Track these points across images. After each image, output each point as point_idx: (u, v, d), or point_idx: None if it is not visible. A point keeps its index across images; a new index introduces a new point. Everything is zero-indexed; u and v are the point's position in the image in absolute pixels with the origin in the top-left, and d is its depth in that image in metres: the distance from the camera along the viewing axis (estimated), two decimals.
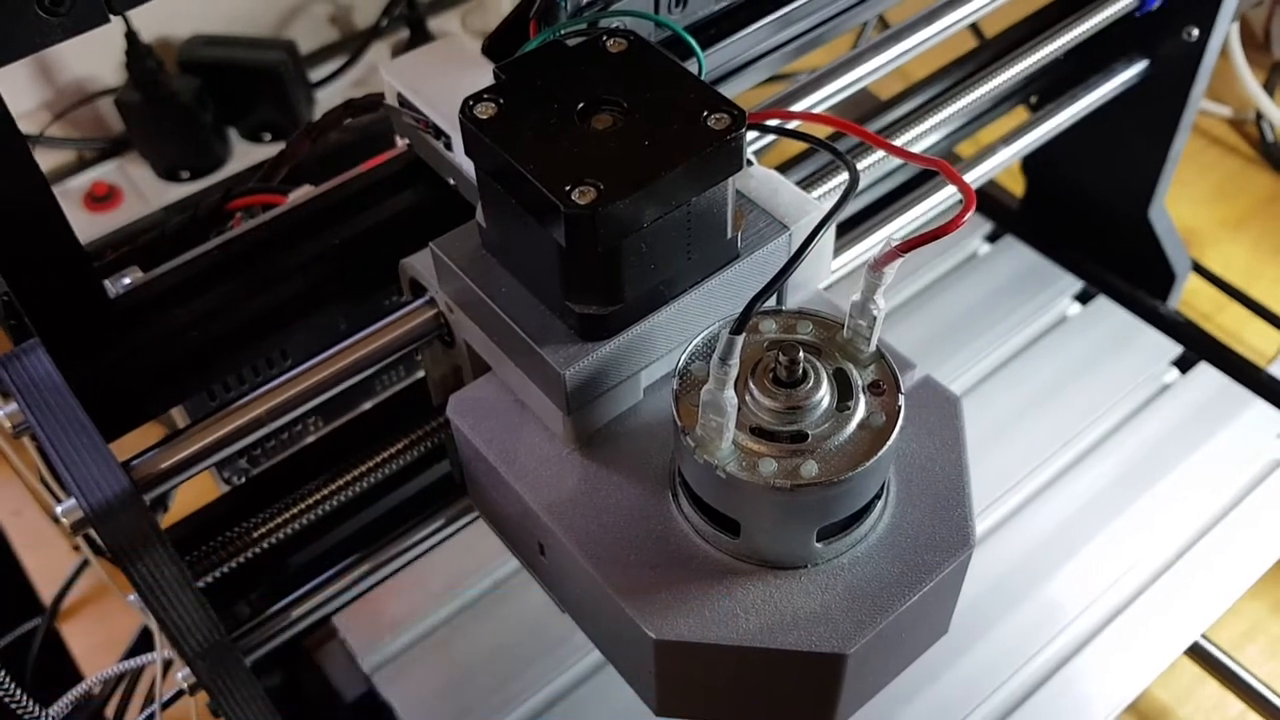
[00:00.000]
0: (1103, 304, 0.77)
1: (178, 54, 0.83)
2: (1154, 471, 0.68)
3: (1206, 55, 0.65)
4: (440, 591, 0.64)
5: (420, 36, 0.90)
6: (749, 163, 0.40)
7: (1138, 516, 0.66)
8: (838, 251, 0.55)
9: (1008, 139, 0.63)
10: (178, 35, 0.84)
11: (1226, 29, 0.65)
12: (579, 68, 0.35)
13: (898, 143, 0.58)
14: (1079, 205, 0.79)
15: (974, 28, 0.87)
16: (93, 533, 0.37)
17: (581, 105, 0.34)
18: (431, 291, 0.41)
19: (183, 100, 0.79)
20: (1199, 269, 0.84)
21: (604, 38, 0.36)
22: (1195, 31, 0.65)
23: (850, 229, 0.56)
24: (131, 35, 0.77)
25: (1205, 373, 0.73)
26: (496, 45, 0.44)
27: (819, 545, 0.34)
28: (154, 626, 0.44)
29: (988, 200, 0.84)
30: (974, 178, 0.61)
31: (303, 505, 0.45)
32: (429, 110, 0.41)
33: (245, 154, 0.85)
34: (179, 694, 0.49)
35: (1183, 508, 0.66)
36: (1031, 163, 0.81)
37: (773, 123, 0.38)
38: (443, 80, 0.41)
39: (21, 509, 0.77)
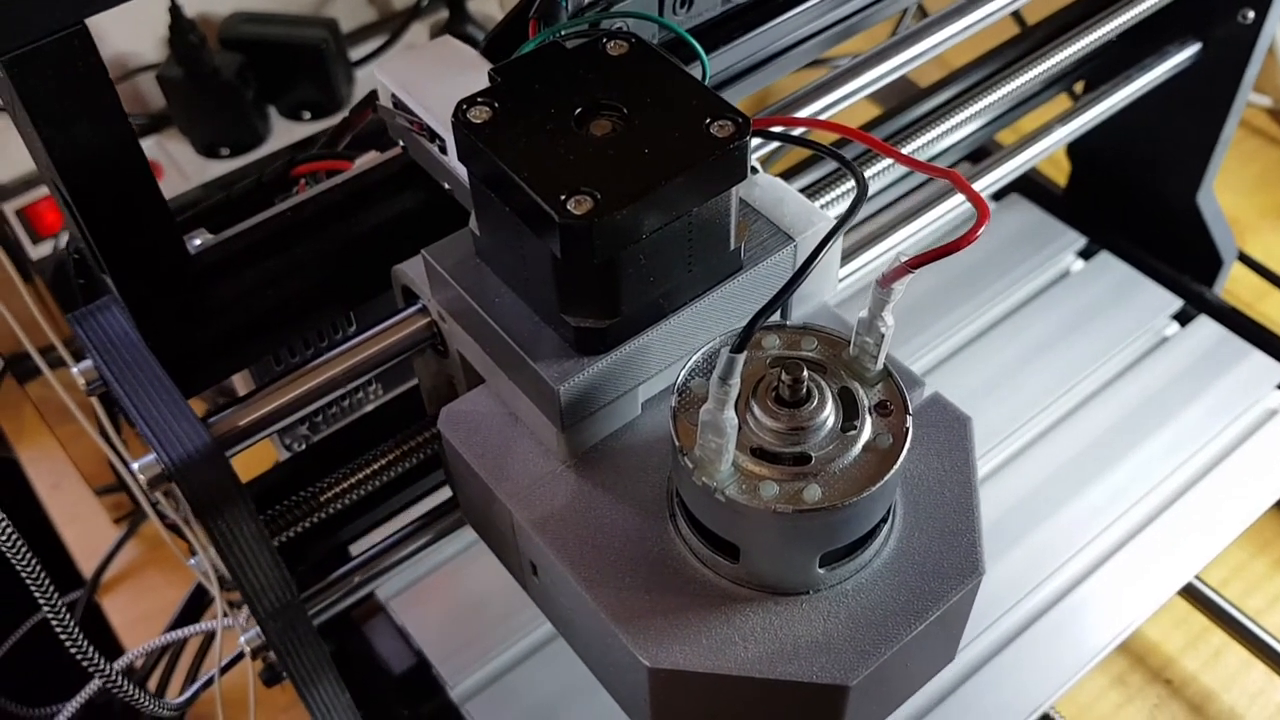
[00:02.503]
0: (1105, 259, 0.78)
1: (220, 30, 0.82)
2: (1153, 418, 0.69)
3: (1261, 37, 0.64)
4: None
5: (460, 17, 0.89)
6: (753, 170, 0.39)
7: (1136, 461, 0.67)
8: (846, 259, 0.53)
9: (1061, 119, 0.62)
10: (219, 12, 0.83)
11: None
12: (578, 71, 0.34)
13: (937, 132, 0.57)
14: (1125, 190, 0.78)
15: (1015, 15, 0.85)
16: (160, 496, 0.37)
17: (579, 110, 0.33)
18: (424, 300, 0.40)
19: (224, 77, 0.78)
20: (1242, 257, 0.82)
21: (604, 40, 0.35)
22: (1251, 14, 0.64)
23: (861, 236, 0.54)
24: (175, 10, 0.76)
25: (1204, 325, 0.74)
26: (496, 45, 0.43)
27: (822, 571, 0.33)
28: (215, 591, 0.44)
29: (1032, 186, 0.83)
30: (1021, 162, 0.60)
31: (367, 471, 0.45)
32: (423, 112, 0.39)
33: (285, 132, 0.84)
34: (236, 659, 0.49)
35: (1181, 454, 0.67)
36: (1078, 148, 0.80)
37: (778, 129, 0.37)
38: (438, 81, 0.40)
39: (60, 482, 0.77)
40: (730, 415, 0.30)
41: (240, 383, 0.54)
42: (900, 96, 0.62)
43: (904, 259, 0.31)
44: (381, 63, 0.41)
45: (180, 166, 0.82)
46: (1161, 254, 0.77)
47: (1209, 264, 0.76)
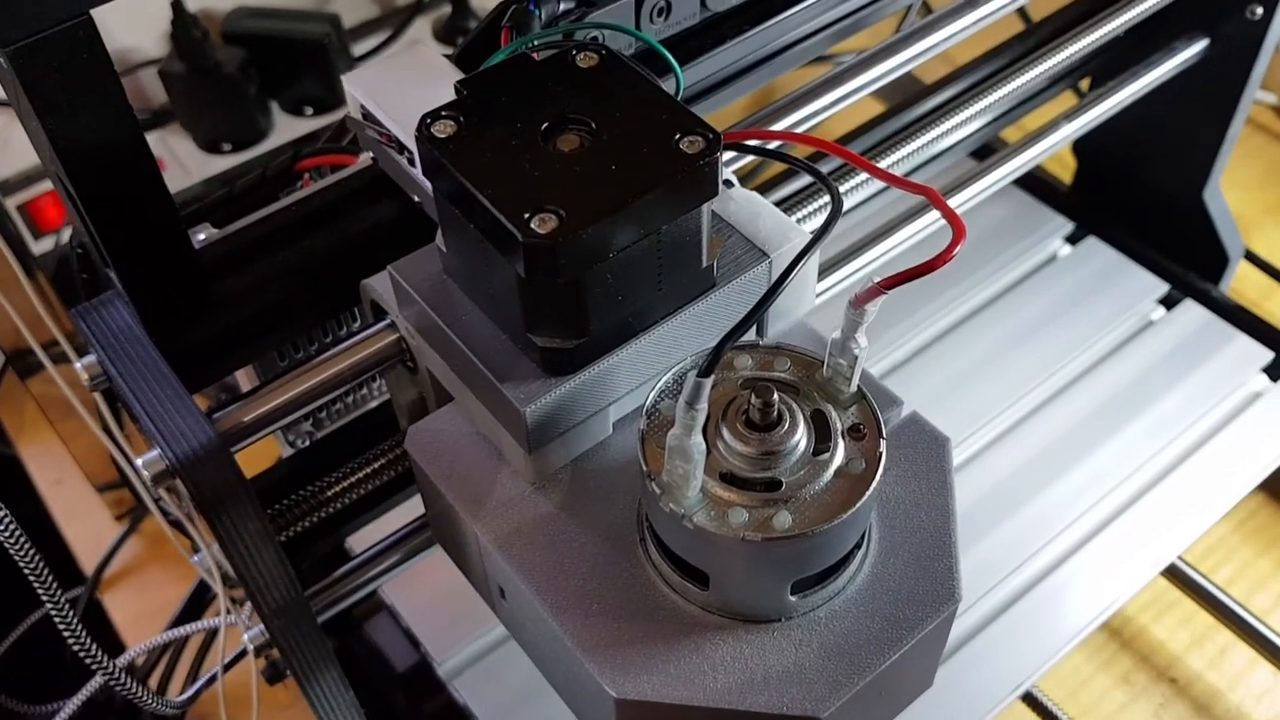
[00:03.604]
0: (1092, 244, 0.79)
1: (222, 25, 0.81)
2: (1138, 401, 0.70)
3: (1270, 34, 0.64)
4: None
5: (462, 12, 0.88)
6: (728, 184, 0.38)
7: (1121, 443, 0.67)
8: (829, 270, 0.52)
9: (1068, 116, 0.62)
10: (222, 7, 0.83)
11: None
12: (546, 84, 0.33)
13: (941, 129, 0.57)
14: (1131, 186, 0.78)
15: (1021, 11, 0.85)
16: (163, 492, 0.37)
17: (546, 125, 0.32)
18: (392, 315, 0.39)
19: (226, 72, 0.78)
20: (1248, 255, 0.82)
21: (574, 52, 0.34)
22: (1259, 10, 0.63)
23: (843, 247, 0.53)
24: (178, 5, 0.75)
25: (1190, 309, 0.75)
26: (468, 55, 0.42)
27: (793, 598, 0.32)
28: (218, 588, 0.44)
29: (1037, 183, 0.83)
30: (1026, 160, 0.60)
31: (371, 468, 0.45)
32: (391, 124, 0.38)
33: (287, 127, 0.83)
34: (239, 656, 0.48)
35: (1165, 436, 0.68)
36: (1083, 144, 0.80)
37: (752, 143, 0.36)
38: (408, 92, 0.39)
39: (62, 478, 0.77)
40: (698, 441, 0.29)
41: (244, 378, 0.53)
42: (904, 93, 0.61)
43: (877, 280, 0.30)
44: (351, 73, 0.40)
45: (182, 162, 0.81)
46: (1167, 251, 0.77)
47: (1215, 261, 0.76)
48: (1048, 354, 0.72)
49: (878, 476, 0.31)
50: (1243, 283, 0.83)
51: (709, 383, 0.29)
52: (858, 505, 0.30)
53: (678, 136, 0.31)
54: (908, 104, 0.60)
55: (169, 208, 0.38)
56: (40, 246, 0.73)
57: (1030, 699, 0.61)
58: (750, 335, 0.38)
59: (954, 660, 0.59)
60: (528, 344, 0.33)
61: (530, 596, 0.33)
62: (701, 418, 0.29)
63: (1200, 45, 0.66)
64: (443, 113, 0.32)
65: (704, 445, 0.30)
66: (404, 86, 0.40)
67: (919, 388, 0.71)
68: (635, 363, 0.34)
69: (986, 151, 0.79)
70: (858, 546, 0.33)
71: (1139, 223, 0.78)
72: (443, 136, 0.32)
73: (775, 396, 0.31)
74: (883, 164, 0.55)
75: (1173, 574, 0.66)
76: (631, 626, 0.32)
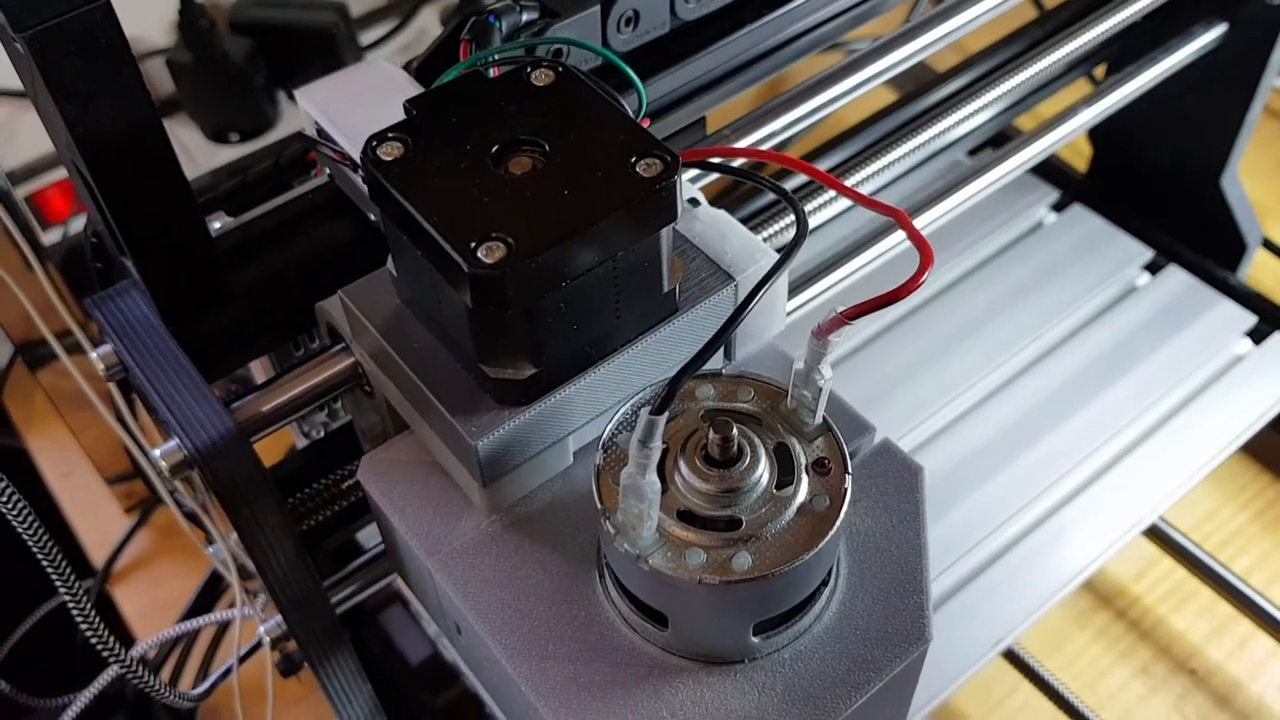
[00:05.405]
0: (1077, 211, 0.78)
1: (229, 14, 0.81)
2: (1122, 364, 0.69)
3: None
4: None
5: (468, 1, 0.87)
6: (694, 203, 0.37)
7: (1102, 406, 0.67)
8: (806, 284, 0.51)
9: (1085, 102, 0.60)
10: None
11: None
12: (499, 103, 0.32)
13: (954, 118, 0.56)
14: (1148, 173, 0.77)
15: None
16: (178, 483, 0.36)
17: (497, 147, 0.31)
18: (347, 340, 0.37)
19: (234, 61, 0.77)
20: (1266, 243, 0.81)
21: (529, 69, 0.33)
22: None
23: (820, 261, 0.52)
24: None
25: (1174, 274, 0.75)
26: (428, 69, 0.41)
27: (756, 639, 0.31)
28: (233, 579, 0.43)
29: (1053, 170, 0.82)
30: (1042, 148, 0.58)
31: None
32: (345, 141, 0.37)
33: (295, 116, 0.81)
34: (254, 649, 0.48)
35: (1148, 398, 0.68)
36: (1100, 131, 0.79)
37: (716, 160, 0.35)
38: (364, 109, 0.38)
39: (71, 471, 0.76)
40: (652, 480, 0.28)
41: (258, 369, 0.52)
42: (916, 82, 0.60)
43: (839, 310, 0.29)
44: (304, 88, 0.39)
45: (189, 152, 0.80)
46: (1185, 238, 0.76)
47: (1233, 249, 0.75)
48: (1031, 319, 0.72)
49: (842, 514, 0.29)
50: (1260, 270, 0.81)
51: (663, 420, 0.27)
52: (820, 545, 0.29)
53: (634, 159, 0.30)
54: (919, 93, 0.58)
55: (187, 195, 0.37)
56: (48, 238, 0.72)
57: (1011, 656, 0.61)
58: (718, 359, 0.37)
59: (936, 617, 0.59)
60: (480, 374, 0.32)
61: (484, 637, 0.32)
62: (656, 456, 0.28)
63: (1219, 30, 0.65)
64: (389, 134, 0.31)
65: (659, 484, 0.28)
66: (359, 102, 0.38)
67: (902, 353, 0.70)
68: (593, 393, 0.33)
69: (1001, 140, 0.77)
70: (824, 583, 0.32)
71: (1157, 210, 0.77)
72: (388, 159, 0.30)
73: (735, 431, 0.29)
74: (893, 155, 0.54)
75: (1192, 563, 0.65)
76: (589, 669, 0.31)
